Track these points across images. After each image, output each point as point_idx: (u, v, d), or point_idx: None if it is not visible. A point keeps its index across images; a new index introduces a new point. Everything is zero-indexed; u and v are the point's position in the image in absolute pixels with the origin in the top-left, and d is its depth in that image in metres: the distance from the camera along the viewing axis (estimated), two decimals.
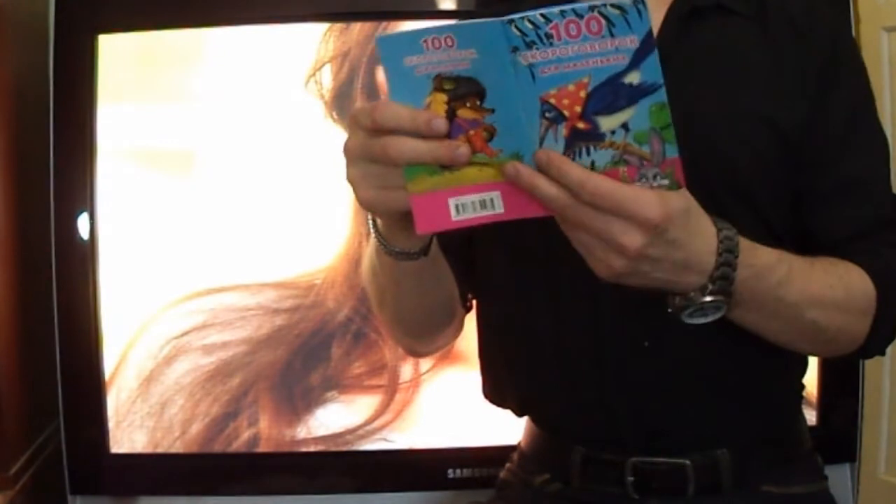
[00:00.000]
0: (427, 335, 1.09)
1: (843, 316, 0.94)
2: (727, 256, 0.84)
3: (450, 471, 1.72)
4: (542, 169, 0.76)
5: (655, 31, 0.96)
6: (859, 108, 1.01)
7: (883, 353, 1.01)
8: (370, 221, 0.91)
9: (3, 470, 1.58)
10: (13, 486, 1.59)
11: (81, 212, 1.70)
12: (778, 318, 0.92)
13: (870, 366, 1.72)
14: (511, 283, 1.06)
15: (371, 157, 0.79)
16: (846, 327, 0.95)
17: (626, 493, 1.03)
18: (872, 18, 1.70)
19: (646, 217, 0.76)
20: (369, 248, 0.99)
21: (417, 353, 1.14)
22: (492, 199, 0.79)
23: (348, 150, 0.81)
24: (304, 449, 1.74)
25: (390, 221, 0.88)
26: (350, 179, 0.81)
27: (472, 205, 0.79)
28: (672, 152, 0.78)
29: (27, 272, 1.71)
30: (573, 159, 0.77)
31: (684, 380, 1.00)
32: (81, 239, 1.70)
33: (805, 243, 0.99)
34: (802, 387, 1.10)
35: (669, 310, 0.86)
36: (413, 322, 1.05)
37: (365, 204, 0.82)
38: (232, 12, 1.71)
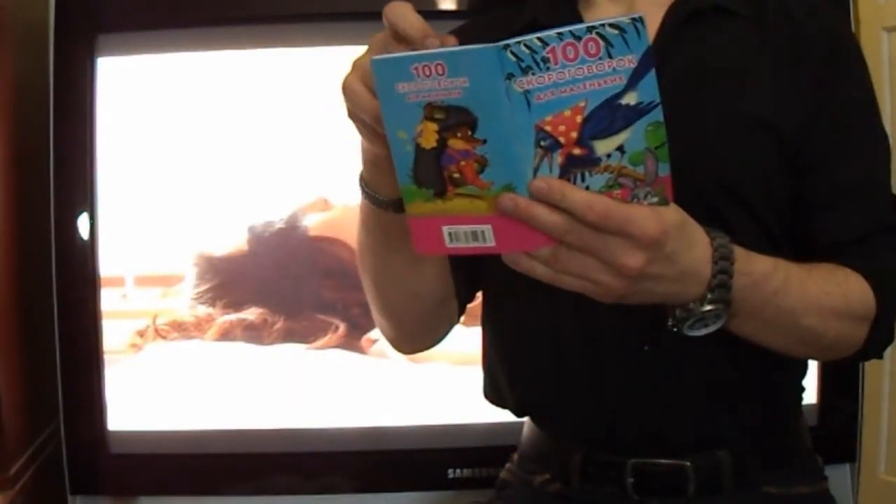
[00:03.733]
0: (406, 318, 1.06)
1: (841, 322, 0.94)
2: (723, 264, 0.84)
3: (450, 471, 1.73)
4: (540, 197, 0.74)
5: (653, 33, 0.95)
6: (860, 110, 1.01)
7: (881, 357, 1.01)
8: (360, 181, 0.92)
9: (3, 470, 1.58)
10: (13, 486, 1.59)
11: (81, 212, 1.70)
12: (776, 326, 0.92)
13: (870, 366, 1.72)
14: (511, 285, 1.05)
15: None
16: (844, 333, 0.95)
17: (626, 493, 1.03)
18: (872, 18, 1.70)
19: (644, 233, 0.76)
20: (359, 227, 0.99)
21: (398, 344, 1.11)
22: (483, 232, 0.77)
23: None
24: (304, 449, 1.75)
25: (370, 157, 0.89)
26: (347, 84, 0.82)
27: (464, 235, 0.78)
28: (664, 171, 0.77)
29: (27, 272, 1.71)
30: None
31: (684, 383, 1.00)
32: (81, 239, 1.70)
33: (803, 247, 0.99)
34: (802, 388, 1.09)
35: (670, 322, 0.86)
36: (388, 294, 1.04)
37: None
38: (231, 12, 1.71)
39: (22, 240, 1.69)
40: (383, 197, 0.91)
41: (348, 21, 1.65)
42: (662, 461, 1.02)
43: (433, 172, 0.76)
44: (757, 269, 0.88)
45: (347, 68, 0.83)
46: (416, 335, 1.10)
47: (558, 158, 0.74)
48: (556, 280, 0.80)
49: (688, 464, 1.01)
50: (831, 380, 1.70)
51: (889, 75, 1.69)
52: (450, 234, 0.78)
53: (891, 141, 1.04)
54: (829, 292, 0.93)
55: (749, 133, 0.97)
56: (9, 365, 1.63)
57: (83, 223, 1.70)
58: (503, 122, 0.72)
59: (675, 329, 0.86)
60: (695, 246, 0.82)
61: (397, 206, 0.91)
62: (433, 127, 0.74)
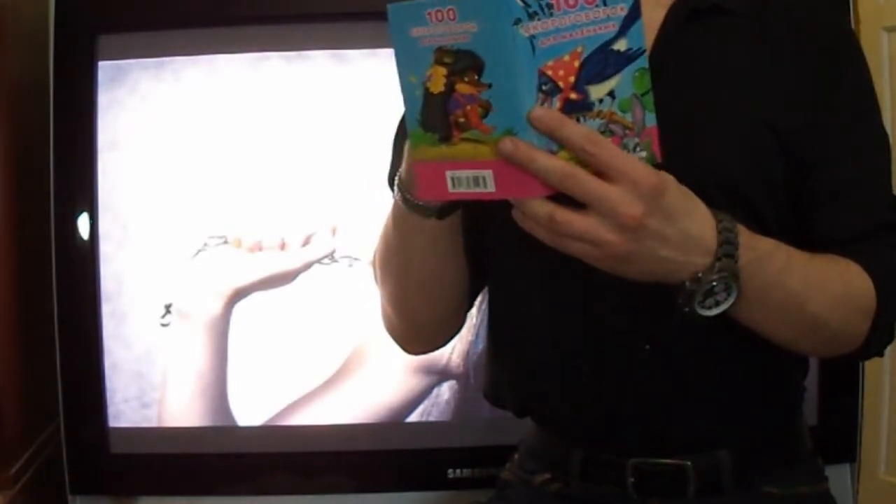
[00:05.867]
0: (426, 320, 1.07)
1: (844, 312, 0.94)
2: (727, 235, 0.83)
3: (450, 471, 1.73)
4: (538, 126, 0.75)
5: (654, 34, 0.96)
6: (860, 110, 1.01)
7: (881, 355, 1.00)
8: (394, 183, 0.92)
9: (3, 470, 1.58)
10: (13, 486, 1.59)
11: (81, 212, 1.70)
12: (781, 311, 0.91)
13: (870, 365, 1.72)
14: (512, 284, 1.06)
15: None
16: (846, 324, 0.95)
17: (626, 493, 1.03)
18: (872, 18, 1.70)
19: (641, 178, 0.76)
20: (385, 229, 0.99)
21: (409, 345, 1.12)
22: (484, 178, 0.79)
23: None
24: (304, 449, 1.75)
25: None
26: None
27: (466, 180, 0.79)
28: (651, 121, 0.79)
29: (27, 272, 1.71)
30: None
31: (685, 382, 1.00)
32: (81, 239, 1.71)
33: (804, 245, 0.99)
34: (804, 388, 1.09)
35: (680, 301, 0.85)
36: (409, 296, 1.04)
37: None
38: (231, 12, 1.71)
39: (22, 240, 1.70)
40: (424, 203, 0.91)
41: (354, 22, 1.64)
42: (663, 461, 1.02)
43: (440, 117, 0.78)
44: (760, 245, 0.87)
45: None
46: (429, 337, 1.10)
47: (557, 103, 0.76)
48: (556, 243, 0.79)
49: (688, 464, 1.01)
50: (831, 379, 1.70)
51: (889, 75, 1.69)
52: (453, 179, 0.80)
53: (891, 140, 1.04)
54: (832, 279, 0.93)
55: (749, 132, 0.97)
56: (9, 365, 1.63)
57: (83, 223, 1.70)
58: (509, 67, 0.74)
59: (686, 309, 0.85)
60: (696, 212, 0.82)
61: (441, 211, 0.92)
62: (442, 71, 0.76)
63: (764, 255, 0.87)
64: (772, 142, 0.97)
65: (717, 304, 0.85)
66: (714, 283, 0.83)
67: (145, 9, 1.71)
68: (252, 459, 1.75)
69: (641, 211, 0.77)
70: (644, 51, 0.77)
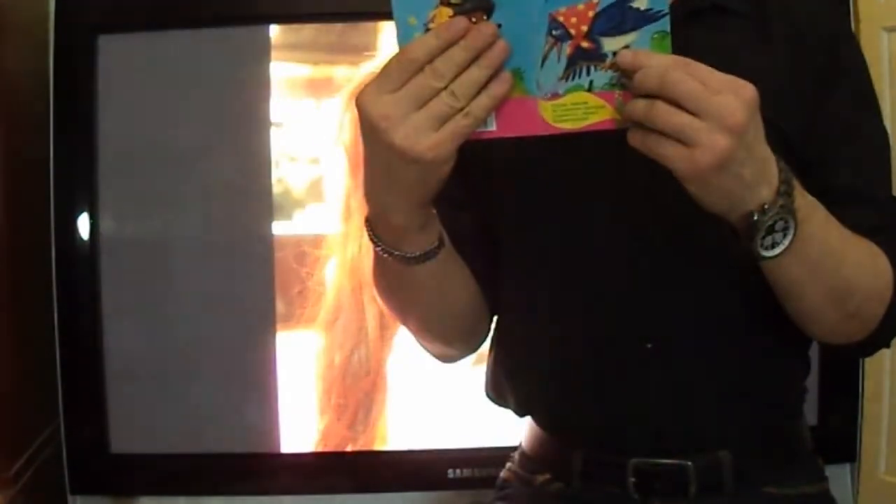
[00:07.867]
0: (458, 338, 1.08)
1: (868, 284, 0.93)
2: (787, 174, 0.83)
3: (450, 471, 1.73)
4: (625, 65, 0.77)
5: None
6: (860, 110, 1.01)
7: (888, 345, 1.00)
8: (373, 238, 0.90)
9: (3, 470, 1.58)
10: (13, 486, 1.59)
11: (81, 212, 1.70)
12: (821, 268, 0.90)
13: (870, 365, 1.72)
14: (514, 283, 1.06)
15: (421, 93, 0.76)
16: (869, 298, 0.94)
17: (627, 493, 1.02)
18: (872, 18, 1.71)
19: (743, 89, 0.77)
20: (377, 269, 0.99)
21: (450, 359, 1.13)
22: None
23: (387, 113, 0.77)
24: (303, 449, 1.75)
25: (408, 220, 0.87)
26: (399, 142, 0.77)
27: None
28: None
29: (27, 272, 1.71)
30: (572, 78, 0.78)
31: (686, 381, 1.00)
32: (81, 239, 1.71)
33: None
34: (805, 389, 1.09)
35: (743, 237, 0.83)
36: (442, 325, 1.05)
37: (432, 151, 0.77)
38: (231, 12, 1.71)
39: (22, 240, 1.70)
40: (409, 254, 0.90)
41: (354, 22, 1.64)
42: (664, 461, 1.01)
43: None
44: (808, 194, 0.87)
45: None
46: (461, 347, 1.11)
47: (567, 49, 0.77)
48: (649, 146, 0.78)
49: (689, 464, 1.01)
50: (831, 379, 1.70)
51: (889, 75, 1.69)
52: None
53: (891, 140, 1.04)
54: (862, 246, 0.93)
55: None
56: (8, 365, 1.63)
57: (83, 223, 1.71)
58: (518, 10, 0.76)
59: (748, 248, 0.84)
60: (764, 139, 0.81)
61: (429, 255, 0.90)
62: (447, 12, 0.76)
63: (811, 202, 0.87)
64: (775, 141, 0.96)
65: (775, 244, 0.84)
66: (775, 219, 0.82)
67: (145, 9, 1.71)
68: (252, 459, 1.75)
69: (745, 117, 0.77)
70: (666, 14, 0.77)
